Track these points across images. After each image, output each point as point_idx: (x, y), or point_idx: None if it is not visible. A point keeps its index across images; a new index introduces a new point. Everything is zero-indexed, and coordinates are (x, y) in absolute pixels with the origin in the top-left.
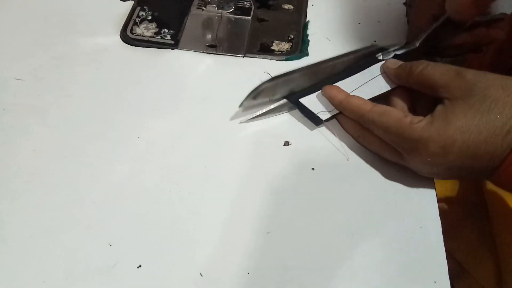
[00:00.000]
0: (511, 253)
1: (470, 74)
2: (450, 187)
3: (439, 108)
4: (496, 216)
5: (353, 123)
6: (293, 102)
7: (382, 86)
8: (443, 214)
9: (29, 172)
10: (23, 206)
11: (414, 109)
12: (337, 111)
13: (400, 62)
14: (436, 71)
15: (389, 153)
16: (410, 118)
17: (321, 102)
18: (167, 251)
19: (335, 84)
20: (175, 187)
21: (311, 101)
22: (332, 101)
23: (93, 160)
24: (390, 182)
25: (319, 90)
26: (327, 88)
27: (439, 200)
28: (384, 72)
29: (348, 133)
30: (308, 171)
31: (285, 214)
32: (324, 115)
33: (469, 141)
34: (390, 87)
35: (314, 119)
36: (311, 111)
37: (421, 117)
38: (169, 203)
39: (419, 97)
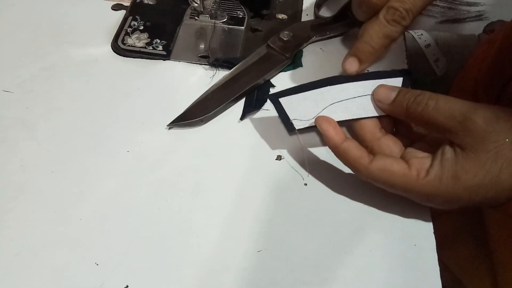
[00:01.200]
0: (507, 265)
1: (481, 120)
2: None
3: (448, 155)
4: (492, 228)
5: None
6: (272, 100)
7: (369, 110)
8: (438, 225)
9: (15, 188)
10: (8, 223)
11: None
12: (314, 123)
13: (393, 93)
14: (440, 114)
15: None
16: (415, 170)
17: (301, 107)
18: (156, 270)
19: (325, 88)
20: (164, 203)
21: (291, 103)
22: (326, 139)
23: (81, 175)
24: (383, 198)
25: (305, 90)
26: (322, 120)
27: (434, 211)
28: (378, 105)
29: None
30: (301, 187)
31: (276, 231)
32: (299, 123)
33: (475, 199)
34: (378, 114)
35: (287, 125)
36: (287, 115)
37: (426, 163)
38: (158, 220)
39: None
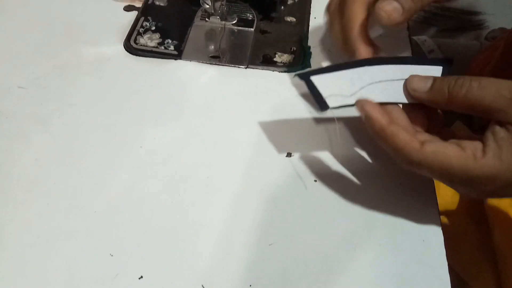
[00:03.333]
0: None
1: None
2: (450, 199)
3: (502, 133)
4: (496, 229)
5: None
6: (303, 79)
7: (401, 96)
8: (443, 226)
9: (30, 181)
10: (23, 214)
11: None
12: (351, 102)
13: (428, 80)
14: (486, 94)
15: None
16: (471, 151)
17: (335, 85)
18: (169, 262)
19: (362, 68)
20: (177, 197)
21: (324, 81)
22: (370, 122)
23: (95, 169)
24: (392, 195)
25: (339, 70)
26: (365, 102)
27: (440, 213)
28: (412, 96)
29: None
30: (311, 183)
31: (287, 225)
32: (333, 101)
33: None
34: (408, 101)
35: (320, 103)
36: (319, 92)
37: (479, 145)
38: (171, 213)
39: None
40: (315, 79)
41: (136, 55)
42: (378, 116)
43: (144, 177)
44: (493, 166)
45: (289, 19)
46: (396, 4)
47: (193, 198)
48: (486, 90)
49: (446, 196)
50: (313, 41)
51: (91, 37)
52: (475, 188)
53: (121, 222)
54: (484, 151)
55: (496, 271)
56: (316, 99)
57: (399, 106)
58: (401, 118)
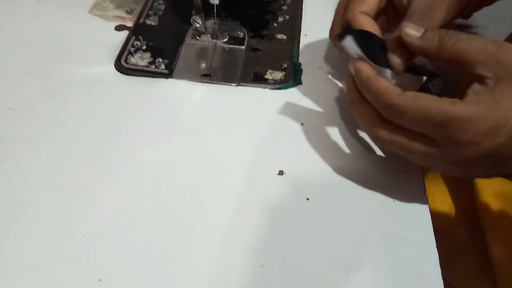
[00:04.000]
0: (509, 281)
1: None
2: (446, 213)
3: (481, 89)
4: (493, 241)
5: (372, 115)
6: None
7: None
8: (439, 240)
9: (18, 205)
10: (10, 239)
11: None
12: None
13: (421, 29)
14: (473, 46)
15: (421, 146)
16: (448, 99)
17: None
18: (159, 285)
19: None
20: (167, 219)
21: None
22: (358, 73)
23: (84, 192)
24: (386, 211)
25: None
26: (356, 60)
27: (435, 226)
28: (402, 39)
29: (362, 128)
30: (303, 201)
31: (280, 246)
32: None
33: None
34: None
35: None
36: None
37: (456, 99)
38: (161, 236)
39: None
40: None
41: (127, 74)
42: (366, 68)
43: (134, 199)
44: (471, 109)
45: (280, 36)
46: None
47: (184, 220)
48: (473, 42)
49: (442, 209)
50: (304, 58)
51: (82, 57)
52: (454, 140)
53: (110, 246)
54: (462, 100)
55: (493, 284)
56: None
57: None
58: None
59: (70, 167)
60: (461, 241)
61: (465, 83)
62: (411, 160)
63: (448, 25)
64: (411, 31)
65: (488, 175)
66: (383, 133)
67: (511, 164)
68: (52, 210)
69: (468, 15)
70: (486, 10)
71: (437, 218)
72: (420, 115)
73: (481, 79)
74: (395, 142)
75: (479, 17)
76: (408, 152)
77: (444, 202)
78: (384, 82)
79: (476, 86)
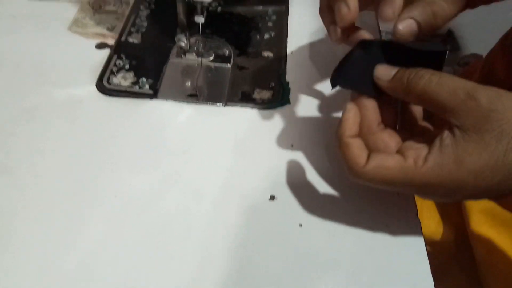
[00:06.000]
0: None
1: (484, 98)
2: (434, 229)
3: (448, 140)
4: (482, 260)
5: None
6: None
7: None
8: (428, 255)
9: None
10: None
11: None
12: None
13: (393, 70)
14: (443, 90)
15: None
16: (412, 160)
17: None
18: None
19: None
20: (154, 251)
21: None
22: (339, 124)
23: (66, 223)
24: (379, 237)
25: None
26: (353, 105)
27: (424, 243)
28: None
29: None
30: (295, 228)
31: (272, 273)
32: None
33: (482, 184)
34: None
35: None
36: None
37: (423, 152)
38: (149, 269)
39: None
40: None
41: (110, 95)
42: (348, 124)
43: (119, 229)
44: (433, 174)
45: (266, 54)
46: (414, 26)
47: (172, 252)
48: (443, 86)
49: (430, 226)
50: (291, 76)
51: (62, 77)
52: (425, 193)
53: (94, 281)
54: (426, 158)
55: None
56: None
57: (374, 101)
58: (371, 113)
59: (51, 196)
60: (449, 255)
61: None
62: None
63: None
64: (383, 72)
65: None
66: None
67: (488, 194)
68: (31, 244)
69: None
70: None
71: (424, 233)
72: (386, 185)
73: (450, 126)
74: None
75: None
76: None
77: (432, 217)
78: (353, 148)
79: (444, 134)
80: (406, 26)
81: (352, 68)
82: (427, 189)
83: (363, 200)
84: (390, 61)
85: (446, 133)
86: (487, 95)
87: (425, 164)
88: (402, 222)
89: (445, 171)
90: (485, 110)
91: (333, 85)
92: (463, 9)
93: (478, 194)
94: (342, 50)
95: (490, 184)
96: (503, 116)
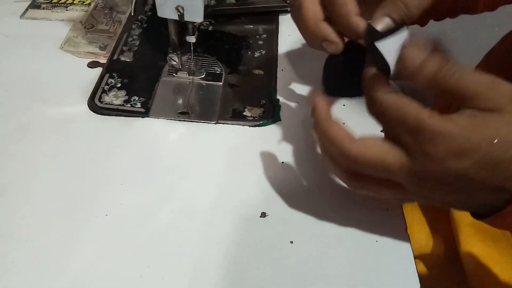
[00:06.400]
0: None
1: (506, 85)
2: (424, 243)
3: (466, 111)
4: (471, 273)
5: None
6: (368, 44)
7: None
8: (418, 269)
9: None
10: None
11: None
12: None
13: (424, 52)
14: (471, 80)
15: (388, 191)
16: (429, 111)
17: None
18: None
19: None
20: (146, 271)
21: (391, 47)
22: (312, 113)
23: (57, 243)
24: (369, 252)
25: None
26: (315, 96)
27: (414, 254)
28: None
29: (337, 175)
30: (287, 244)
31: None
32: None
33: (493, 154)
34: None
35: (385, 70)
36: (385, 61)
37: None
38: None
39: None
40: (381, 45)
41: (102, 114)
42: (321, 107)
43: (110, 249)
44: (447, 125)
45: (257, 72)
46: (390, 24)
47: (164, 271)
48: (471, 76)
49: (420, 238)
50: (282, 94)
51: (54, 96)
52: (423, 151)
53: None
54: (441, 115)
55: None
56: (381, 67)
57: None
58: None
59: (42, 216)
60: (440, 268)
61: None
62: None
63: (423, 16)
64: (415, 53)
65: (455, 202)
66: (350, 179)
67: (480, 194)
68: (23, 264)
69: (438, 18)
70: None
71: (415, 246)
72: (396, 120)
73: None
74: (363, 188)
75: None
76: (378, 195)
77: (422, 230)
78: (338, 127)
79: (465, 110)
80: (384, 25)
81: (336, 76)
82: (437, 137)
83: (353, 216)
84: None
85: (463, 109)
86: (508, 84)
87: (441, 116)
88: (392, 237)
89: (459, 126)
90: (507, 96)
91: (328, 95)
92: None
93: (485, 166)
94: None
95: (501, 158)
96: None
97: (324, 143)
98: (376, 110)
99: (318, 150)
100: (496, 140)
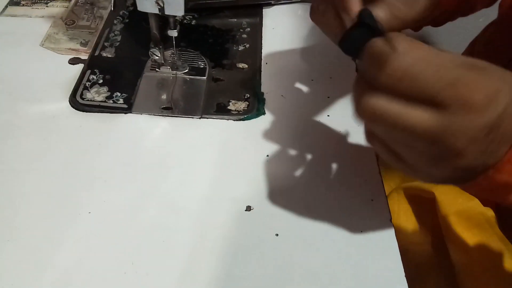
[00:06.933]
0: None
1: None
2: (410, 233)
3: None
4: (458, 262)
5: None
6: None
7: None
8: (405, 257)
9: None
10: None
11: None
12: None
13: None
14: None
15: (421, 115)
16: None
17: None
18: None
19: None
20: (130, 268)
21: None
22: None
23: (39, 242)
24: (354, 243)
25: None
26: None
27: (401, 244)
28: None
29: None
30: (272, 237)
31: (248, 285)
32: None
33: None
34: None
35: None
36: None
37: None
38: (124, 286)
39: None
40: None
41: (83, 111)
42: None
43: (93, 247)
44: (476, 72)
45: (241, 65)
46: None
47: (149, 267)
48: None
49: (407, 227)
50: (266, 87)
51: (34, 93)
52: (464, 100)
53: None
54: None
55: None
56: None
57: None
58: None
59: (24, 215)
60: (427, 257)
61: None
62: (391, 160)
63: (420, 22)
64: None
65: (474, 169)
66: (374, 100)
67: (503, 148)
68: (5, 265)
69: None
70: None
71: (402, 236)
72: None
73: None
74: (388, 112)
75: (430, 31)
76: (402, 128)
77: (409, 220)
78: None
79: None
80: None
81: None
82: (477, 84)
83: (338, 207)
84: None
85: None
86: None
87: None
88: (377, 228)
89: (473, 72)
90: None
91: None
92: (425, 14)
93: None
94: (316, 62)
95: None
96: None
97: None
98: (395, 77)
99: (303, 143)
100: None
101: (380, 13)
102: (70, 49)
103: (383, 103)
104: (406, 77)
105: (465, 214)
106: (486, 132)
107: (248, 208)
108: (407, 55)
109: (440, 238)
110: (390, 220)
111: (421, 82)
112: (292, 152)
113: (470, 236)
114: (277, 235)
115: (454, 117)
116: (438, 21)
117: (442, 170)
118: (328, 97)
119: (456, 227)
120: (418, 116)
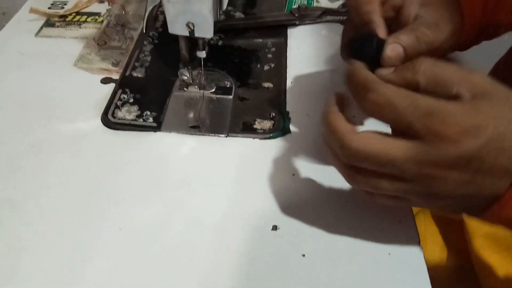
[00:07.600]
0: None
1: (484, 75)
2: (437, 255)
3: (460, 100)
4: (486, 285)
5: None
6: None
7: None
8: (431, 278)
9: (4, 272)
10: None
11: None
12: None
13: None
14: (445, 70)
15: (389, 184)
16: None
17: None
18: None
19: None
20: (158, 283)
21: None
22: (325, 106)
23: (71, 257)
24: (382, 266)
25: None
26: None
27: (427, 265)
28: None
29: (336, 168)
30: (299, 258)
31: None
32: None
33: (500, 128)
34: None
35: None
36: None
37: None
38: None
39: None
40: None
41: (114, 129)
42: (331, 101)
43: (123, 262)
44: (454, 106)
45: (266, 84)
46: (400, 50)
47: (176, 283)
48: (445, 67)
49: (434, 249)
50: (291, 106)
51: (67, 112)
52: (436, 133)
53: None
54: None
55: None
56: None
57: None
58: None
59: (56, 230)
60: (454, 280)
61: None
62: (382, 202)
63: (446, 48)
64: (383, 71)
65: (459, 201)
66: (348, 172)
67: (488, 180)
68: (39, 277)
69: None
70: None
71: (428, 258)
72: (404, 105)
73: (457, 97)
74: (361, 181)
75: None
76: (377, 191)
77: (436, 242)
78: (340, 118)
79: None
80: (392, 50)
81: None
82: (448, 118)
83: (365, 228)
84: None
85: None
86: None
87: (441, 101)
88: (405, 250)
89: (466, 106)
90: (488, 82)
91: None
92: (450, 39)
93: (494, 144)
94: (340, 81)
95: (507, 130)
96: (504, 88)
97: (326, 134)
98: (377, 105)
99: (328, 162)
100: (498, 114)
101: (405, 38)
102: (102, 69)
103: (357, 178)
104: (387, 106)
105: (493, 236)
106: (464, 162)
107: (275, 228)
108: (390, 87)
109: (467, 260)
110: (419, 242)
111: (399, 111)
112: (318, 171)
113: (498, 259)
114: (303, 255)
115: (429, 146)
116: (462, 46)
117: (435, 200)
118: (354, 117)
119: (484, 250)
120: (387, 185)
